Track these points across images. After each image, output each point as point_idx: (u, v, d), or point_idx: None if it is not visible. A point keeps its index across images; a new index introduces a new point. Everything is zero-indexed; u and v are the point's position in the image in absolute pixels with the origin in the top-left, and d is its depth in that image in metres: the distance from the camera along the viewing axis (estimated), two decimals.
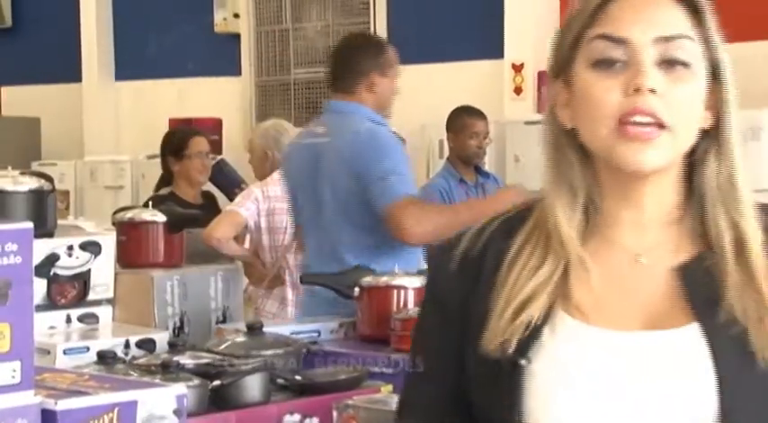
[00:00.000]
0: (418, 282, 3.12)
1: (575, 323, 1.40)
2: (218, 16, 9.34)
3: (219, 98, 9.29)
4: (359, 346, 3.04)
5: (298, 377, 2.66)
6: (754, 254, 1.39)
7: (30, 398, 1.41)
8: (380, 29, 8.51)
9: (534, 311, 1.39)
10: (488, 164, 6.21)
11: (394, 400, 2.24)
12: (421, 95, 7.90)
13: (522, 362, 1.38)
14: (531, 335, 1.38)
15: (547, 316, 1.39)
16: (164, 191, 5.53)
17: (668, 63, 1.37)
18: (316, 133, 4.05)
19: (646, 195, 1.42)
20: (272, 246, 4.89)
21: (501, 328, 1.39)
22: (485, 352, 1.40)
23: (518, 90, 7.58)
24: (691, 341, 1.37)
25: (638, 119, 1.35)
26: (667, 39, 1.37)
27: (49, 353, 2.64)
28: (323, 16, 8.99)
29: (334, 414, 2.35)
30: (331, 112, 4.06)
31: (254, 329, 2.88)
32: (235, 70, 9.40)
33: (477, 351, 1.41)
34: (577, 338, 1.39)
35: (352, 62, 3.99)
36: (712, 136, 1.42)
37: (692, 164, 1.43)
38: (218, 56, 9.39)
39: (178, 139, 5.69)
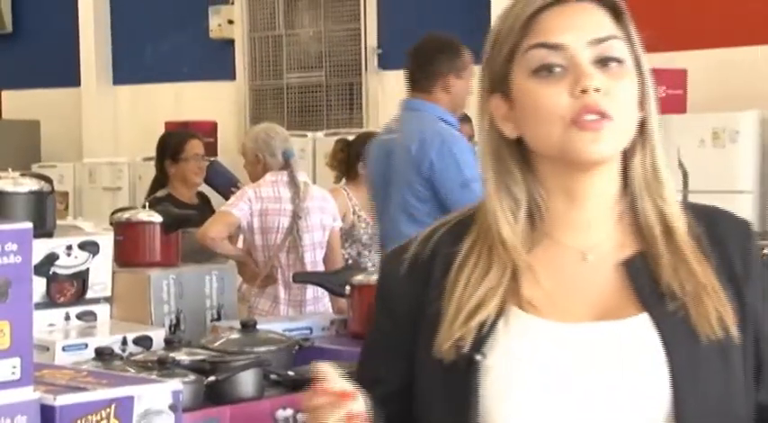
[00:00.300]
0: None
1: (528, 317, 1.41)
2: (213, 22, 9.33)
3: (214, 102, 9.28)
4: (349, 342, 3.04)
5: (290, 373, 2.66)
6: (680, 236, 1.44)
7: (29, 393, 1.41)
8: (371, 35, 8.52)
9: (487, 312, 1.40)
10: None
11: None
12: None
13: (478, 357, 1.39)
14: (485, 332, 1.40)
15: (500, 313, 1.41)
16: (161, 192, 5.52)
17: (603, 62, 1.40)
18: (390, 129, 4.18)
19: (589, 191, 1.45)
20: (265, 245, 4.89)
21: (454, 331, 1.40)
22: (437, 355, 1.40)
23: None
24: (642, 330, 1.40)
25: (588, 117, 1.38)
26: (600, 40, 1.41)
27: (48, 349, 2.63)
28: (315, 23, 8.99)
29: None
30: (406, 109, 4.13)
31: (247, 327, 2.88)
32: (229, 75, 9.40)
33: (428, 354, 1.42)
34: (531, 332, 1.41)
35: (429, 63, 4.06)
36: (638, 131, 1.46)
37: (625, 157, 1.46)
38: (213, 61, 9.39)
39: (175, 142, 5.68)
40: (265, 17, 9.23)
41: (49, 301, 2.75)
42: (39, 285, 2.73)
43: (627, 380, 1.38)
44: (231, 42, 9.35)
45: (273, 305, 4.86)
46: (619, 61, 1.41)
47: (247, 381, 2.49)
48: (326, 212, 5.03)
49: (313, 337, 3.08)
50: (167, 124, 8.86)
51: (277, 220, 4.87)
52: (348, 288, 3.14)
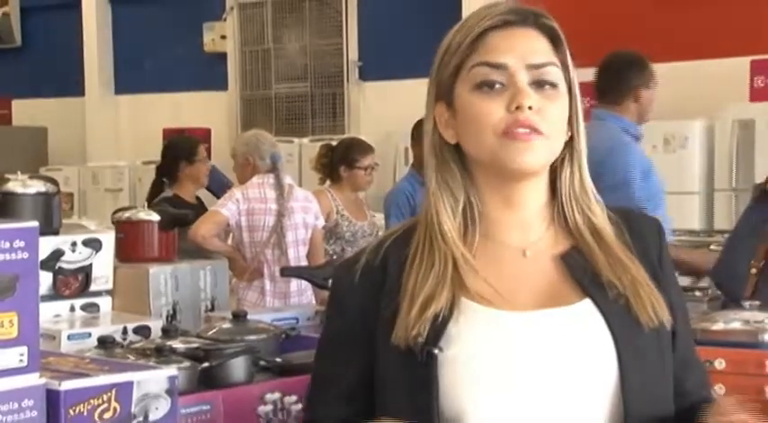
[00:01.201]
0: None
1: (479, 308, 1.42)
2: (207, 37, 9.32)
3: (208, 110, 9.26)
4: None
5: (278, 359, 2.65)
6: (611, 241, 1.47)
7: (36, 379, 1.40)
8: (352, 49, 8.51)
9: (439, 304, 1.40)
10: None
11: None
12: (388, 108, 7.91)
13: (435, 351, 1.38)
14: (440, 325, 1.40)
15: (452, 306, 1.41)
16: (167, 192, 5.52)
17: (539, 84, 1.43)
18: None
19: (525, 196, 1.47)
20: (252, 242, 4.90)
21: (411, 321, 1.40)
22: (396, 345, 1.41)
23: None
24: (587, 313, 1.42)
25: (520, 130, 1.40)
26: (537, 66, 1.43)
27: (54, 338, 2.62)
28: (301, 37, 8.98)
29: None
30: (595, 118, 4.13)
31: (239, 317, 2.87)
32: (222, 85, 9.38)
33: (388, 348, 1.42)
34: (484, 321, 1.41)
35: (618, 77, 4.07)
36: (567, 147, 1.48)
37: (553, 170, 1.49)
38: (207, 72, 9.36)
39: (190, 145, 5.72)
40: (255, 32, 9.22)
41: (55, 294, 2.74)
42: (45, 279, 2.71)
43: (576, 361, 1.39)
44: (224, 56, 9.33)
45: (260, 297, 4.86)
46: (553, 85, 1.44)
47: (238, 367, 2.48)
48: (309, 212, 5.03)
49: (299, 326, 3.07)
50: (165, 131, 8.83)
51: (263, 218, 4.88)
52: (331, 282, 3.14)
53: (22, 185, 2.70)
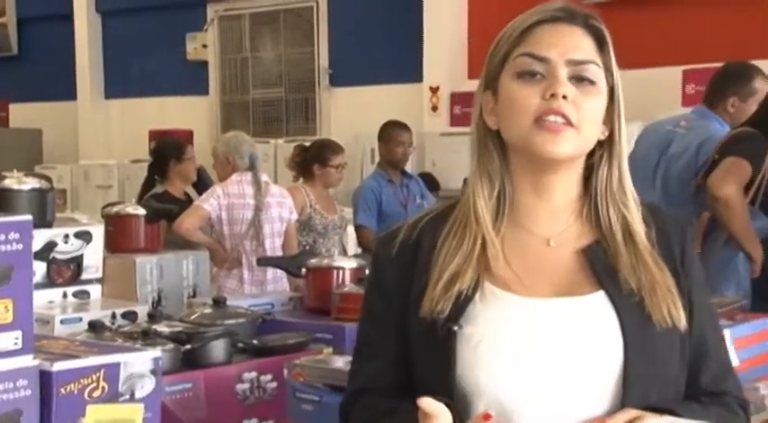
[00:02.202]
0: (354, 263, 3.11)
1: (500, 292, 1.39)
2: (190, 46, 9.27)
3: (191, 113, 9.21)
4: (305, 316, 3.03)
5: (255, 342, 2.64)
6: (639, 239, 1.42)
7: (29, 361, 1.39)
8: (323, 58, 8.49)
9: (464, 284, 1.38)
10: (411, 167, 6.20)
11: (334, 360, 2.24)
12: (356, 111, 7.90)
13: (455, 328, 1.36)
14: (462, 304, 1.38)
15: (475, 288, 1.39)
16: (158, 189, 5.50)
17: (578, 79, 1.39)
18: (677, 124, 4.22)
19: (555, 186, 1.43)
20: (231, 234, 4.90)
21: (437, 296, 1.38)
22: (423, 316, 1.38)
23: (434, 108, 7.60)
24: (599, 304, 1.38)
25: (551, 118, 1.36)
26: (578, 62, 1.39)
27: (48, 322, 2.61)
28: (276, 47, 8.95)
29: (285, 372, 2.34)
30: (696, 114, 4.21)
31: (218, 303, 2.86)
32: (204, 91, 9.34)
33: (417, 317, 1.39)
34: (503, 306, 1.38)
35: (720, 84, 4.14)
36: (606, 146, 1.44)
37: (590, 168, 1.45)
38: (189, 79, 9.31)
39: (179, 145, 5.71)
40: (234, 42, 9.18)
41: (49, 282, 2.73)
42: (40, 268, 2.70)
43: (584, 349, 1.35)
44: (205, 63, 9.28)
45: (239, 284, 4.85)
46: (591, 82, 1.39)
47: (218, 348, 2.47)
48: (284, 207, 5.04)
49: (274, 311, 3.06)
50: (151, 132, 8.78)
51: (242, 213, 4.88)
52: (304, 270, 3.13)
53: (19, 182, 2.69)
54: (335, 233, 5.37)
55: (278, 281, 4.79)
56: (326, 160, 5.38)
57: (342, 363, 2.13)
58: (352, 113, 8.03)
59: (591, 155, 1.44)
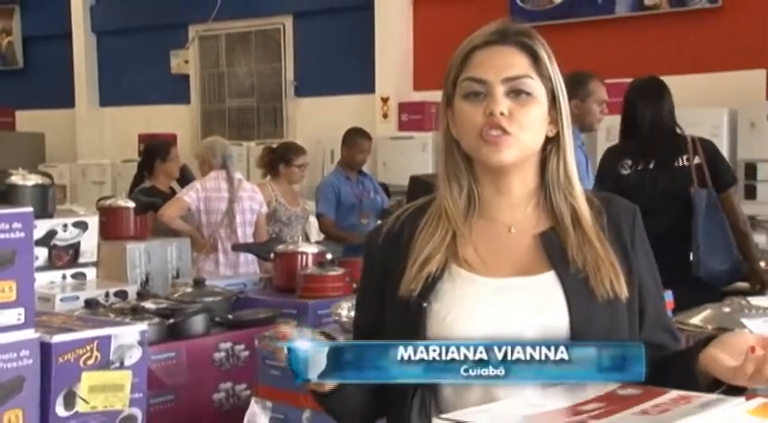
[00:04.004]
0: (316, 249, 3.11)
1: (465, 273, 1.39)
2: (174, 62, 9.18)
3: (175, 120, 9.13)
4: (273, 294, 3.02)
5: (230, 316, 2.63)
6: (586, 224, 1.42)
7: (31, 334, 1.39)
8: (289, 72, 8.46)
9: (433, 266, 1.39)
10: (365, 167, 6.20)
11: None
12: (318, 118, 7.89)
13: (424, 304, 1.36)
14: (431, 283, 1.38)
15: (443, 269, 1.39)
16: (146, 184, 5.46)
17: (516, 93, 1.38)
18: None
19: (512, 183, 1.43)
20: (209, 223, 4.89)
21: (411, 277, 1.39)
22: (400, 294, 1.39)
23: (385, 115, 7.59)
24: (549, 282, 1.38)
25: (492, 132, 1.37)
26: (512, 78, 1.39)
27: (49, 301, 2.59)
28: (248, 63, 8.89)
29: (255, 342, 2.33)
30: None
31: (198, 283, 2.84)
32: (186, 100, 9.25)
33: (394, 294, 1.40)
34: (467, 284, 1.38)
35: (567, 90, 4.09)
36: (554, 142, 1.44)
37: (543, 161, 1.45)
38: (174, 89, 9.22)
39: (165, 146, 5.68)
40: (212, 58, 9.10)
41: (50, 265, 2.71)
42: (42, 254, 2.68)
43: (534, 322, 1.34)
44: (187, 76, 9.20)
45: (215, 267, 4.85)
46: (527, 93, 1.39)
47: (198, 322, 2.46)
48: (255, 200, 5.03)
49: (247, 290, 3.05)
50: (140, 136, 8.70)
51: (217, 204, 4.88)
52: (273, 255, 3.12)
53: (24, 179, 2.66)
54: (298, 222, 5.37)
55: (249, 264, 4.78)
56: (290, 160, 5.37)
57: None
58: (314, 120, 8.01)
59: (545, 149, 1.44)
